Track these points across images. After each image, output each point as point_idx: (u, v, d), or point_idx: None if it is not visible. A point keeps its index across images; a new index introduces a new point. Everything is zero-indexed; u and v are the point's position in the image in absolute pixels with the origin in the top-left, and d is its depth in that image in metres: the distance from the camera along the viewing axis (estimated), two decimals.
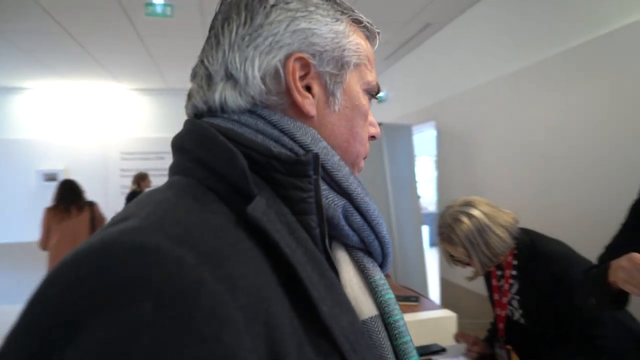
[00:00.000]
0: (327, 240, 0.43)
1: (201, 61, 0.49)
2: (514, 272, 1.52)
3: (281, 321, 0.34)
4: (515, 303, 1.54)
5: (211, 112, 0.47)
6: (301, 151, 0.44)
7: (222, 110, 0.46)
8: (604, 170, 2.08)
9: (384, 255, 0.49)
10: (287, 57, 0.45)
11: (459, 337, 1.68)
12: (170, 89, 5.63)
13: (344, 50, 0.48)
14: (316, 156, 0.43)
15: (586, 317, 1.36)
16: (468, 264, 1.50)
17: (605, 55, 2.07)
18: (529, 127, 2.63)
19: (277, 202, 0.41)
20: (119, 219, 0.37)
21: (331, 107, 0.48)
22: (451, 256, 1.57)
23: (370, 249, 0.48)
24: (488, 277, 1.65)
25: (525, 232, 1.50)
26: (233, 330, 0.30)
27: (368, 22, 0.52)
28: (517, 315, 1.56)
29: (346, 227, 0.46)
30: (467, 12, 3.28)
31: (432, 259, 4.50)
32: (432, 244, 6.23)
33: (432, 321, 2.06)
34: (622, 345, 1.38)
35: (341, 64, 0.48)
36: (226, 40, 0.46)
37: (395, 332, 0.45)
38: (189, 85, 0.52)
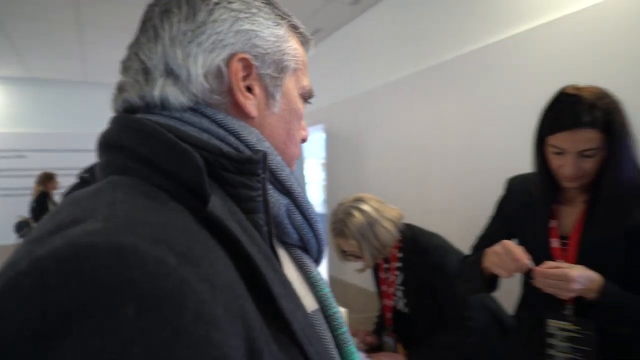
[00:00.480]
0: (274, 239, 0.44)
1: (135, 54, 0.47)
2: (399, 264, 1.62)
3: (253, 318, 0.34)
4: (399, 293, 1.65)
5: (149, 108, 0.45)
6: (247, 151, 0.44)
7: (163, 107, 0.45)
8: (475, 171, 2.33)
9: (319, 251, 0.52)
10: (231, 57, 0.45)
11: (353, 332, 1.74)
12: (33, 78, 4.97)
13: (284, 54, 0.49)
14: (265, 155, 0.43)
15: (459, 301, 1.50)
16: (359, 257, 1.56)
17: (475, 68, 2.33)
18: (410, 131, 2.85)
19: (227, 200, 0.40)
20: (67, 222, 0.32)
21: (271, 109, 0.49)
22: (343, 251, 1.62)
23: (308, 246, 0.50)
24: (376, 270, 1.74)
25: (407, 226, 1.61)
26: (221, 330, 0.30)
27: (303, 29, 0.54)
28: (401, 304, 1.66)
29: (289, 226, 0.48)
30: (356, 20, 3.45)
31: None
32: None
33: None
34: (486, 324, 1.55)
35: (281, 68, 0.49)
36: (166, 35, 0.45)
37: (335, 323, 0.47)
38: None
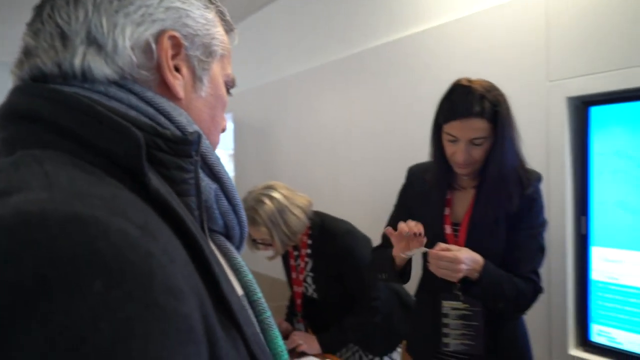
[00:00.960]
0: (205, 223, 0.43)
1: (49, 15, 0.42)
2: (308, 251, 1.65)
3: (204, 295, 0.33)
4: (309, 280, 1.68)
5: (66, 78, 0.41)
6: (177, 132, 0.42)
7: (84, 78, 0.41)
8: (381, 160, 2.45)
9: (242, 238, 0.52)
10: (160, 34, 0.43)
11: None
12: None
13: (212, 38, 0.48)
14: (200, 136, 0.42)
15: (365, 284, 1.58)
16: (269, 245, 1.56)
17: (381, 62, 2.43)
18: (319, 121, 2.91)
19: (161, 181, 0.39)
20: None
21: (197, 92, 0.48)
22: (253, 240, 1.61)
23: (231, 232, 0.50)
24: (286, 257, 1.75)
25: (316, 214, 1.65)
26: (187, 303, 0.29)
27: (229, 18, 0.54)
28: (310, 290, 1.70)
29: (216, 211, 0.47)
30: (266, 8, 3.42)
31: None
32: None
33: None
34: (390, 305, 1.65)
35: (209, 52, 0.48)
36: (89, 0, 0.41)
37: (259, 308, 0.48)
38: None
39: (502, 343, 1.20)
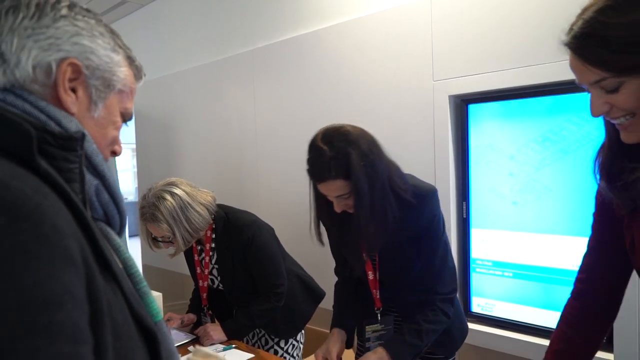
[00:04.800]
0: (88, 206, 0.51)
1: None
2: (212, 245, 1.66)
3: (84, 245, 0.42)
4: (215, 272, 1.70)
5: None
6: (64, 131, 0.51)
7: None
8: (286, 155, 2.51)
9: (122, 225, 0.60)
10: (63, 60, 0.52)
11: (166, 318, 1.71)
12: None
13: (113, 74, 0.58)
14: (84, 135, 0.51)
15: (270, 272, 1.64)
16: (171, 242, 1.55)
17: (285, 56, 2.49)
18: (224, 115, 2.89)
19: (51, 169, 0.45)
20: None
21: (91, 113, 0.57)
22: (154, 239, 1.59)
23: (112, 221, 0.58)
24: (189, 253, 1.75)
25: (220, 207, 1.67)
26: (68, 239, 0.39)
27: (139, 63, 0.64)
28: (216, 282, 1.72)
29: (96, 202, 0.56)
30: None
31: (134, 248, 4.37)
32: (131, 235, 6.00)
33: None
34: (294, 289, 1.73)
35: (108, 84, 0.58)
36: (7, 23, 0.50)
37: (137, 279, 0.57)
38: None
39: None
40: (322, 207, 1.23)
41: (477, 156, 2.05)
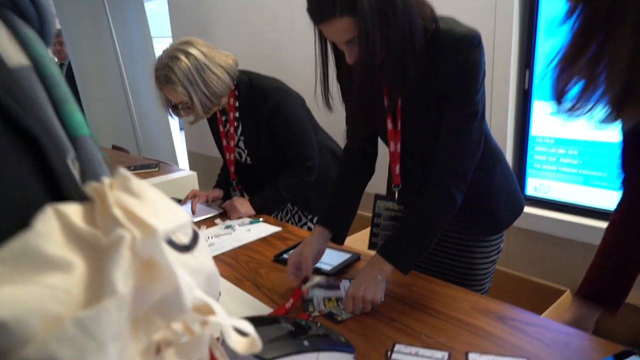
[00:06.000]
0: None
1: None
2: (237, 114, 1.54)
3: None
4: (241, 144, 1.60)
5: None
6: None
7: None
8: None
9: (42, 20, 0.46)
10: None
11: (191, 195, 1.66)
12: None
13: None
14: None
15: (299, 142, 1.51)
16: (190, 109, 1.43)
17: None
18: None
19: None
20: None
21: None
22: (173, 106, 1.48)
23: (22, 8, 0.44)
24: (214, 125, 1.64)
25: (243, 72, 1.51)
26: None
27: None
28: (244, 156, 1.62)
29: None
30: None
31: (179, 137, 4.51)
32: (181, 128, 6.17)
33: (173, 181, 2.17)
34: (327, 163, 1.61)
35: None
36: None
37: (51, 81, 0.44)
38: None
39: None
40: (340, 64, 1.00)
41: (549, 12, 1.70)
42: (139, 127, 4.03)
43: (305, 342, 0.58)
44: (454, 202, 0.97)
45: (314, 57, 0.97)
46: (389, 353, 0.79)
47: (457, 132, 0.96)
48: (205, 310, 0.37)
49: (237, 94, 1.49)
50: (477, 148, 0.98)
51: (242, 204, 1.53)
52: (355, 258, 1.17)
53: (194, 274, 0.40)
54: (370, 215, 1.19)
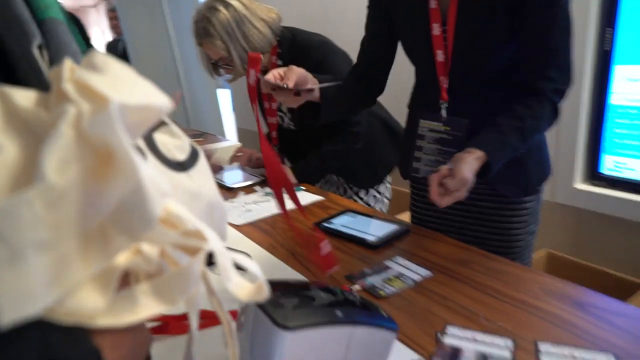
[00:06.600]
0: None
1: None
2: None
3: None
4: (284, 108, 1.50)
5: None
6: None
7: None
8: None
9: None
10: None
11: (238, 152, 1.59)
12: None
13: None
14: None
15: None
16: (230, 67, 1.35)
17: None
18: None
19: None
20: None
21: None
22: (214, 64, 1.40)
23: None
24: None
25: (286, 29, 1.40)
26: None
27: None
28: (287, 120, 1.53)
29: None
30: None
31: (231, 116, 4.53)
32: (234, 109, 6.23)
33: (217, 150, 2.12)
34: (374, 131, 1.48)
35: None
36: None
37: None
38: None
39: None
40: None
41: None
42: (189, 103, 4.08)
43: (339, 312, 0.48)
44: (556, 117, 0.91)
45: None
46: (439, 335, 0.67)
47: (552, 41, 0.87)
48: (196, 237, 0.27)
49: (279, 51, 1.39)
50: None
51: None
52: (404, 230, 1.03)
53: (190, 199, 0.30)
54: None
